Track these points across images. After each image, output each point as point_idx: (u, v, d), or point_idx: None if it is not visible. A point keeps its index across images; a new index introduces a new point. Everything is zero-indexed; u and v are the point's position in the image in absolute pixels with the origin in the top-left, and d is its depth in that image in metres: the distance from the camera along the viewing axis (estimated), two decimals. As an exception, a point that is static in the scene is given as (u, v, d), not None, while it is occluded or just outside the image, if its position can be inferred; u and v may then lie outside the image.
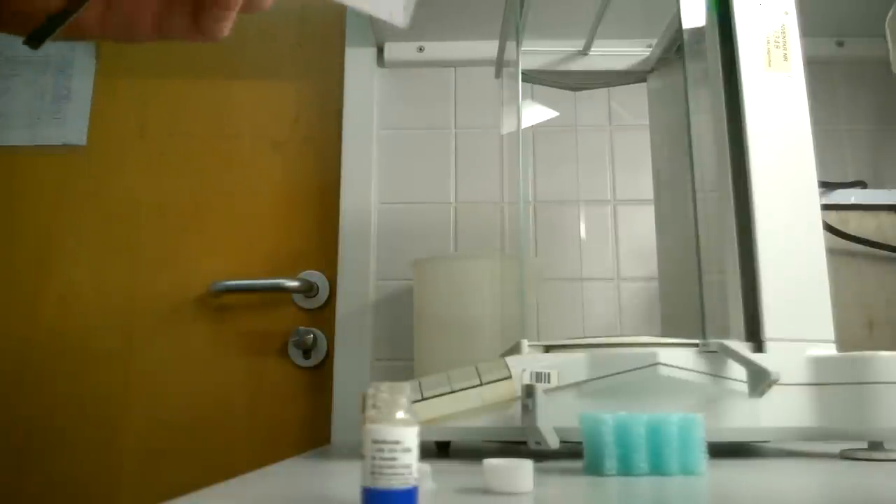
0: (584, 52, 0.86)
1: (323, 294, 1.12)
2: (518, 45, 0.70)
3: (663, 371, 0.50)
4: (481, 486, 0.38)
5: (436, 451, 0.59)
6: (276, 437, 1.09)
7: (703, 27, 0.64)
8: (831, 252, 0.58)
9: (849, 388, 0.52)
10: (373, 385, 0.32)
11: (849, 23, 1.08)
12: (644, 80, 0.87)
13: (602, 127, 1.13)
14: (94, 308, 1.12)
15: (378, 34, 1.12)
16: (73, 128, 1.20)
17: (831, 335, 0.55)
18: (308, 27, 1.20)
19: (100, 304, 1.13)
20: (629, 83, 0.89)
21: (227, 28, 0.41)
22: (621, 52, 0.87)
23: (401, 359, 1.05)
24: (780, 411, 0.52)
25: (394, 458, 0.30)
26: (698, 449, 0.43)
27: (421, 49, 1.14)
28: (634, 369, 0.51)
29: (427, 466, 0.38)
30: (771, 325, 0.54)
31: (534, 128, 1.10)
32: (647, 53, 0.86)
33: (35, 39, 0.39)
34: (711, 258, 0.61)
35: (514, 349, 0.57)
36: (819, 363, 0.53)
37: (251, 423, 1.09)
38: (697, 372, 0.51)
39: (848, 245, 0.87)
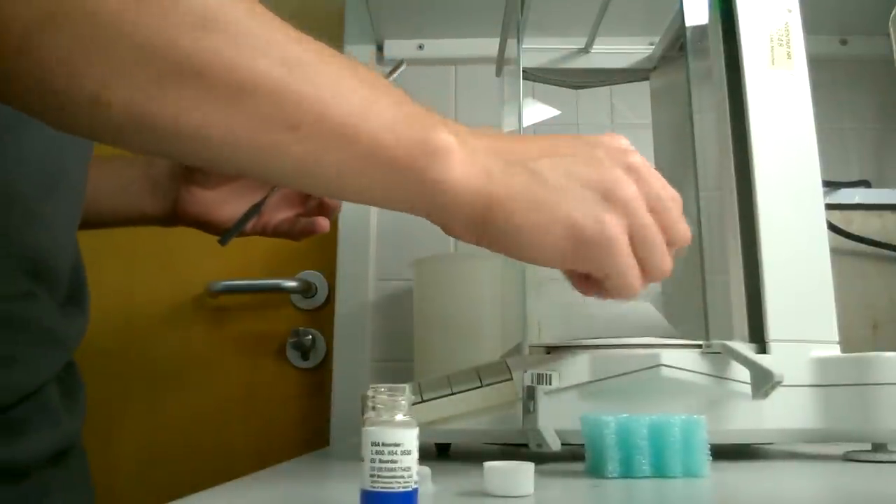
0: (585, 50, 0.86)
1: (322, 294, 1.12)
2: (519, 42, 0.69)
3: (666, 372, 0.50)
4: (482, 489, 0.38)
5: (436, 453, 0.58)
6: (275, 439, 1.08)
7: (705, 25, 0.64)
8: (835, 252, 0.57)
9: (853, 389, 0.51)
10: (372, 387, 0.32)
11: (852, 20, 1.07)
12: (646, 77, 0.87)
13: (604, 125, 1.12)
14: (91, 308, 1.12)
15: (377, 31, 1.11)
16: (71, 126, 1.19)
17: (835, 336, 0.55)
18: (306, 24, 1.18)
19: (97, 305, 1.12)
20: (631, 81, 0.88)
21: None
22: (623, 49, 0.87)
23: (400, 360, 1.04)
24: (784, 413, 0.51)
25: (393, 461, 0.30)
26: (701, 451, 0.43)
27: (421, 47, 1.13)
28: (637, 371, 0.50)
29: (427, 469, 0.38)
30: (774, 325, 0.54)
31: (535, 126, 1.09)
32: (650, 51, 0.85)
33: (225, 240, 0.60)
34: (715, 258, 0.61)
35: (515, 350, 0.56)
36: (823, 364, 0.53)
37: (249, 425, 1.09)
38: (700, 373, 0.51)
39: (852, 245, 0.87)
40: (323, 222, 0.63)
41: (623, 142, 0.42)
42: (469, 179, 0.37)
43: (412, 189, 0.37)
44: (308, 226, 0.63)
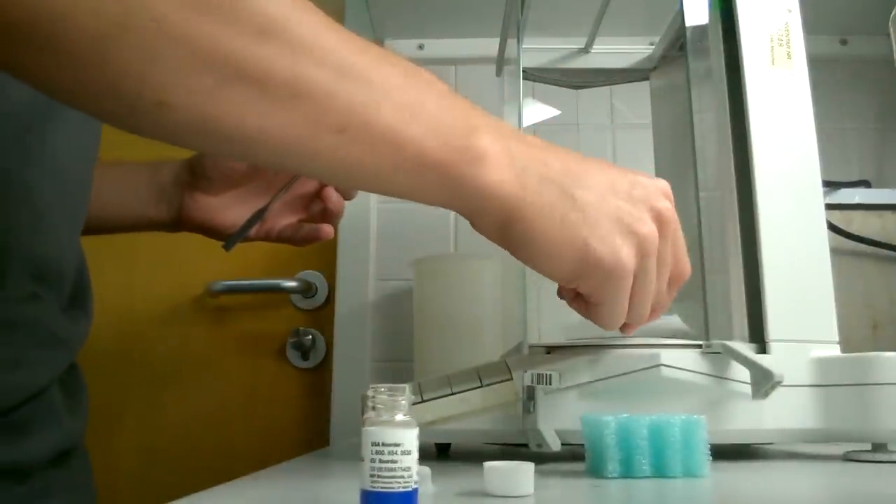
0: (585, 50, 0.86)
1: (322, 294, 1.12)
2: (519, 42, 0.69)
3: (666, 372, 0.50)
4: (482, 489, 0.37)
5: (436, 453, 0.58)
6: (275, 440, 1.08)
7: (705, 25, 0.64)
8: (835, 252, 0.57)
9: (853, 389, 0.51)
10: (372, 387, 0.32)
11: (852, 20, 1.07)
12: (647, 77, 0.87)
13: (604, 125, 1.12)
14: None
15: (378, 31, 1.11)
16: (71, 126, 1.19)
17: (835, 336, 0.55)
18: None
19: (97, 305, 1.12)
20: (631, 81, 0.88)
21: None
22: (624, 49, 0.86)
23: (400, 360, 1.04)
24: (784, 413, 0.51)
25: (393, 461, 0.30)
26: (701, 451, 0.43)
27: (421, 47, 1.13)
28: (637, 370, 0.50)
29: (427, 469, 0.38)
30: (774, 325, 0.54)
31: (535, 126, 1.09)
32: (650, 51, 0.85)
33: (229, 245, 0.60)
34: (715, 258, 0.61)
35: (516, 350, 0.56)
36: (823, 364, 0.53)
37: (249, 425, 1.09)
38: (700, 373, 0.51)
39: (852, 245, 0.87)
40: (327, 229, 0.64)
41: (663, 185, 0.44)
42: (503, 186, 0.38)
43: (450, 191, 0.38)
44: (312, 232, 0.64)
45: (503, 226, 0.40)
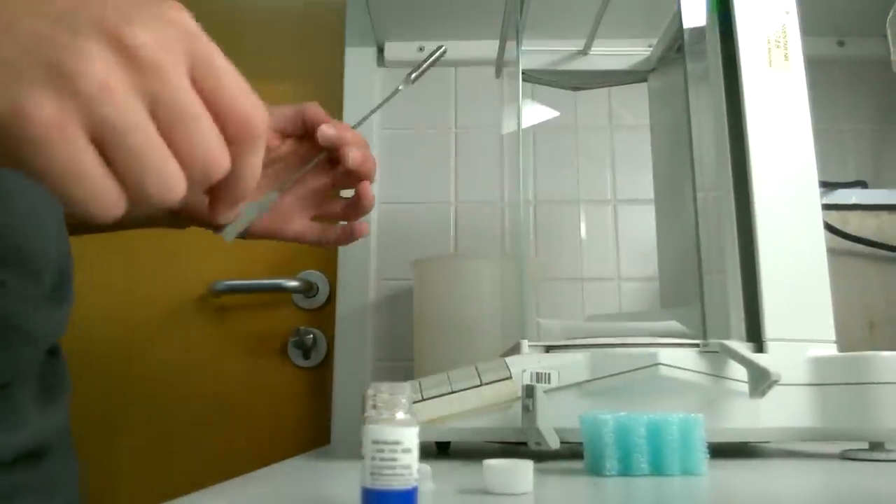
0: (584, 52, 0.86)
1: (323, 294, 1.12)
2: (518, 44, 0.70)
3: (664, 371, 0.50)
4: (481, 487, 0.38)
5: (436, 451, 0.59)
6: (276, 438, 1.08)
7: (703, 27, 0.64)
8: (832, 252, 0.57)
9: (850, 388, 0.52)
10: (373, 385, 0.32)
11: (849, 22, 1.08)
12: (645, 79, 0.87)
13: (602, 127, 1.12)
14: (93, 308, 1.12)
15: (378, 34, 1.11)
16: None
17: (832, 335, 0.55)
18: (308, 27, 1.19)
19: (99, 305, 1.12)
20: (630, 83, 0.89)
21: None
22: (622, 51, 0.87)
23: (401, 359, 1.05)
24: (781, 412, 0.52)
25: (394, 459, 0.30)
26: (699, 449, 0.43)
27: (421, 48, 1.14)
28: (635, 369, 0.51)
29: (427, 467, 0.38)
30: (772, 325, 0.54)
31: (534, 127, 1.10)
32: (648, 53, 0.86)
33: (228, 235, 0.50)
34: (712, 258, 0.61)
35: (515, 349, 0.57)
36: (820, 363, 0.53)
37: (251, 424, 1.09)
38: (698, 372, 0.51)
39: (848, 245, 0.87)
40: (363, 226, 0.58)
41: (157, 7, 0.28)
42: None
43: None
44: (346, 234, 0.59)
45: None
